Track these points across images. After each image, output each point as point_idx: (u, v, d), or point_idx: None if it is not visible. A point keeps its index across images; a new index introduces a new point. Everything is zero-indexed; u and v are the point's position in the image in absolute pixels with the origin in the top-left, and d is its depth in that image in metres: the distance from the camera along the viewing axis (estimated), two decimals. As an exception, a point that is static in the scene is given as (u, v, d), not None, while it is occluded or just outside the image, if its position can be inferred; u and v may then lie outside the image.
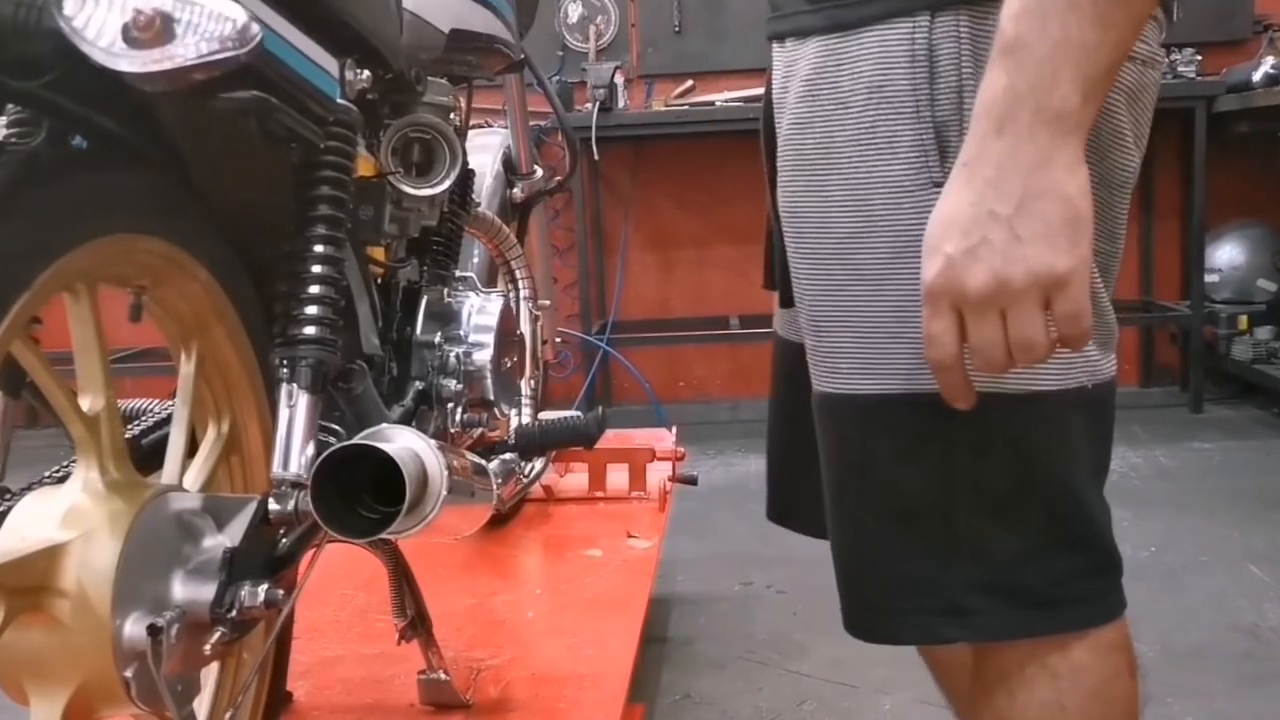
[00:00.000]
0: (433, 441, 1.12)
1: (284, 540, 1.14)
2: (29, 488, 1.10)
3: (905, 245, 0.98)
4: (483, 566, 2.30)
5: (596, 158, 4.43)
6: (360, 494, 1.10)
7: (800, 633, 2.64)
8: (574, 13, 4.77)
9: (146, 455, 1.22)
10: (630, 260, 4.95)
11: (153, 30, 0.79)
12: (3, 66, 0.84)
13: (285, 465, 1.12)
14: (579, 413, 1.78)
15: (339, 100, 1.21)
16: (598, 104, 4.35)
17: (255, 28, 0.86)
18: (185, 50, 0.82)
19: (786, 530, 1.37)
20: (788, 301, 1.15)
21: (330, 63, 1.17)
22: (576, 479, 2.70)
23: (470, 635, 1.93)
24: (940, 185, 0.93)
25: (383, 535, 1.07)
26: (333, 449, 1.06)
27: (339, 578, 2.12)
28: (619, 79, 4.49)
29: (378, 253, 1.59)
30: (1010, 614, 1.04)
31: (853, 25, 1.00)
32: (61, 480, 1.09)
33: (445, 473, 1.11)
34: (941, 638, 1.08)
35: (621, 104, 4.53)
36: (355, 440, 1.08)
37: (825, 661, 2.48)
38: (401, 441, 1.09)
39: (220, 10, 0.84)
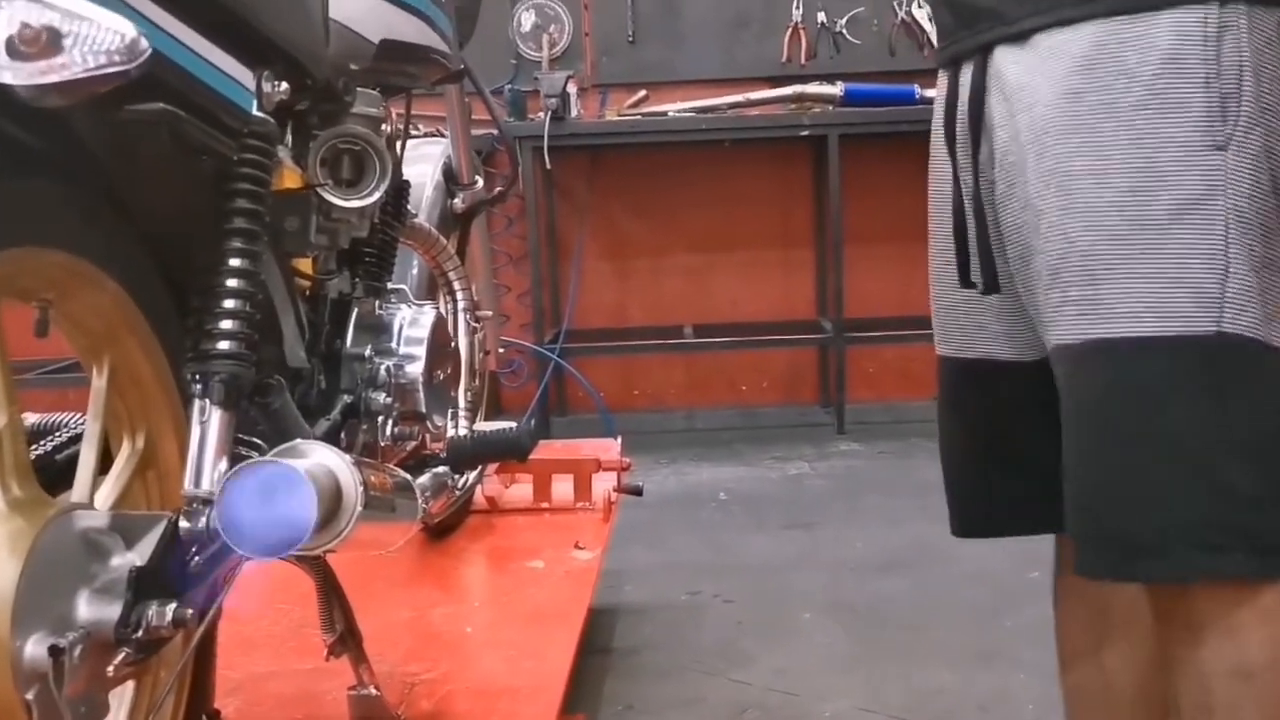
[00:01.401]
0: (348, 457, 1.11)
1: (195, 558, 1.12)
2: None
3: (1191, 199, 1.14)
4: (424, 579, 2.29)
5: (549, 166, 4.42)
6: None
7: (746, 641, 2.64)
8: (527, 21, 4.75)
9: (61, 471, 1.20)
10: (585, 269, 4.94)
11: (39, 44, 0.79)
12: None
13: (197, 482, 1.11)
14: (513, 424, 1.78)
15: (254, 112, 1.19)
16: (550, 113, 4.34)
17: (144, 43, 0.85)
18: (72, 63, 0.81)
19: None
20: (993, 287, 1.31)
21: (244, 74, 1.16)
22: (522, 489, 2.70)
23: (406, 649, 1.92)
24: (1221, 148, 1.14)
25: (293, 553, 1.06)
26: (240, 466, 1.04)
27: (274, 592, 2.10)
28: (572, 88, 4.48)
29: (305, 264, 1.57)
30: (1255, 556, 1.16)
31: (1145, 9, 1.15)
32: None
33: (360, 489, 1.10)
34: (1201, 573, 1.18)
35: (575, 113, 4.52)
36: (264, 457, 1.07)
37: (769, 670, 2.48)
38: (315, 458, 1.08)
39: (109, 24, 0.83)
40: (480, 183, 2.40)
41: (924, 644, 2.59)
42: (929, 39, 4.61)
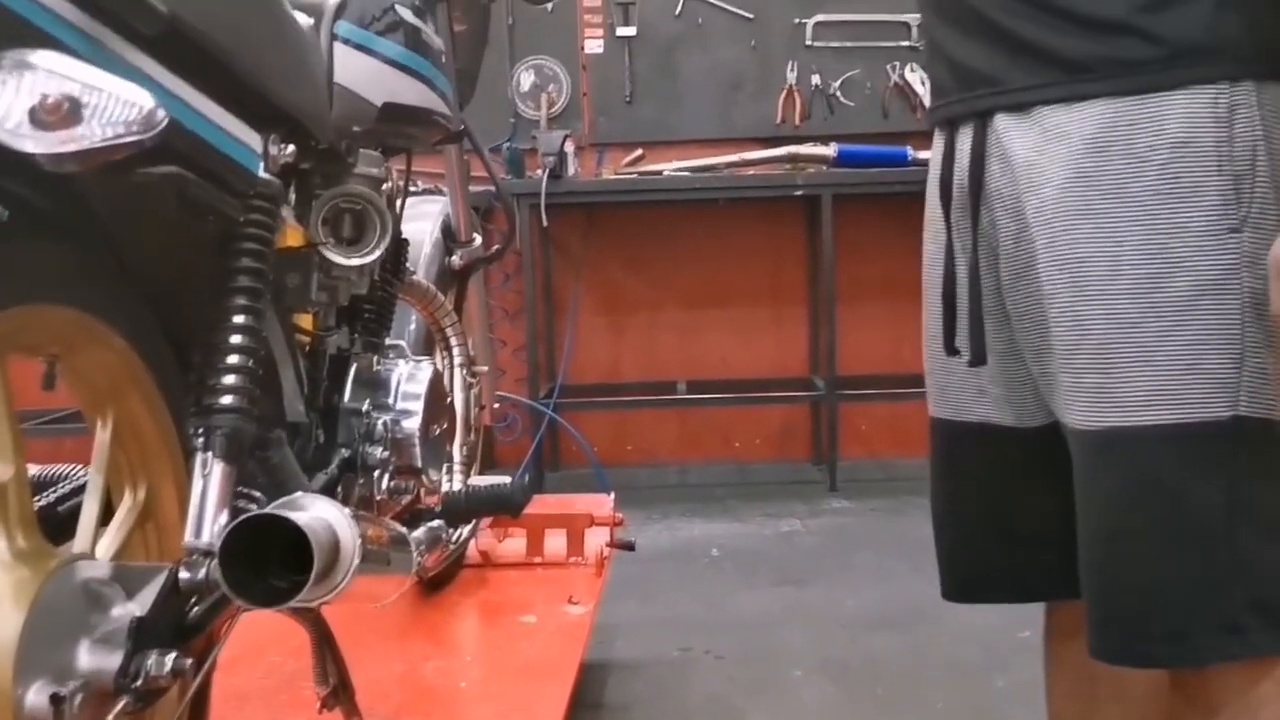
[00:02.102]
0: (347, 510, 1.13)
1: (195, 609, 1.14)
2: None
3: (1207, 284, 1.14)
4: (416, 633, 2.30)
5: (545, 224, 4.46)
6: (270, 563, 1.10)
7: (737, 698, 2.64)
8: (526, 81, 4.81)
9: (63, 522, 1.22)
10: (580, 324, 4.98)
11: (59, 114, 0.82)
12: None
13: (198, 534, 1.13)
14: (508, 479, 1.80)
15: (261, 174, 1.23)
16: (547, 171, 4.39)
17: (161, 113, 0.88)
18: (91, 134, 0.84)
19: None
20: (979, 360, 1.31)
21: (253, 138, 1.19)
22: (515, 544, 2.71)
23: (398, 702, 1.93)
24: (1236, 230, 1.14)
25: (291, 604, 1.08)
26: (241, 518, 1.07)
27: (268, 645, 2.11)
28: (569, 146, 4.53)
29: (306, 320, 1.60)
30: (1274, 630, 1.17)
31: (1154, 89, 1.15)
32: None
33: (358, 542, 1.12)
34: (1226, 655, 1.19)
35: (572, 171, 4.57)
36: (265, 510, 1.09)
37: (759, 728, 2.49)
38: (315, 511, 1.10)
39: (127, 96, 0.86)
40: (478, 240, 2.43)
41: (913, 702, 2.60)
42: (921, 102, 4.68)
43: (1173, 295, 1.15)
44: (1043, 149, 1.21)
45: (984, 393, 1.38)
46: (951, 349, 1.37)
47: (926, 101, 4.63)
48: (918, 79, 4.67)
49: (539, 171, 4.46)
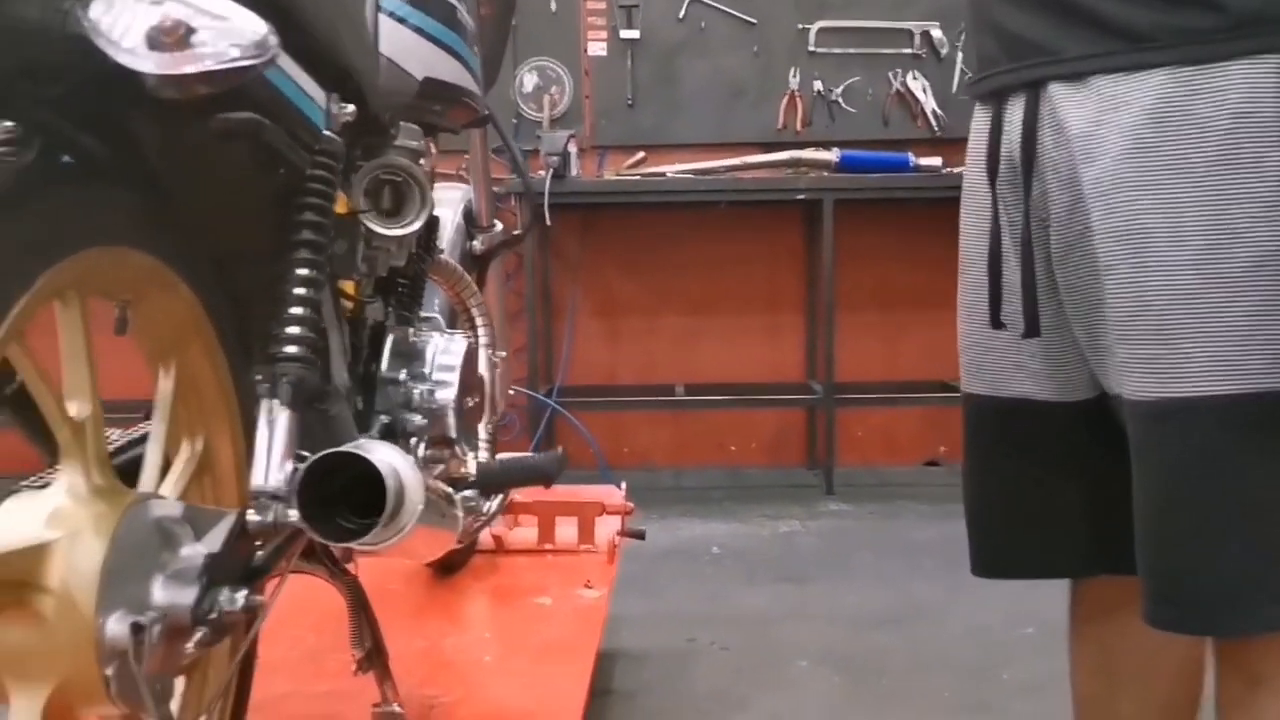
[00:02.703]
0: (410, 458, 1.16)
1: (260, 552, 1.17)
2: (10, 493, 1.12)
3: (1267, 256, 1.15)
4: (432, 612, 2.32)
5: (549, 223, 4.49)
6: (337, 506, 1.13)
7: (743, 687, 2.67)
8: (529, 82, 4.84)
9: (118, 471, 1.24)
10: (578, 327, 5.01)
11: (176, 35, 0.84)
12: (15, 72, 0.88)
13: (265, 478, 1.15)
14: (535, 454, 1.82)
15: (325, 131, 1.25)
16: (551, 171, 4.41)
17: (273, 40, 0.91)
18: (207, 56, 0.86)
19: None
20: (1033, 331, 1.32)
21: (319, 94, 1.22)
22: (526, 532, 2.73)
23: (421, 675, 1.95)
24: None
25: (360, 542, 1.10)
26: (320, 455, 1.09)
27: (290, 619, 2.13)
28: (572, 148, 4.56)
29: (349, 288, 1.63)
30: None
31: (1214, 59, 1.15)
32: (43, 488, 1.11)
33: (422, 489, 1.15)
34: (1271, 627, 1.22)
35: (574, 172, 4.60)
36: (342, 448, 1.11)
37: (765, 714, 2.51)
38: (382, 454, 1.13)
39: (240, 22, 0.89)
40: (499, 226, 2.46)
41: (919, 694, 2.63)
42: (922, 109, 4.73)
43: (1234, 266, 1.16)
44: (1100, 119, 1.22)
45: (1023, 368, 1.40)
46: (997, 322, 1.38)
47: (929, 109, 4.71)
48: (919, 86, 4.72)
49: (541, 172, 4.48)
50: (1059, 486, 1.42)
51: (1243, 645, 1.27)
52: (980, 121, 1.39)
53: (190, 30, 0.85)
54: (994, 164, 1.35)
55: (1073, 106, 1.25)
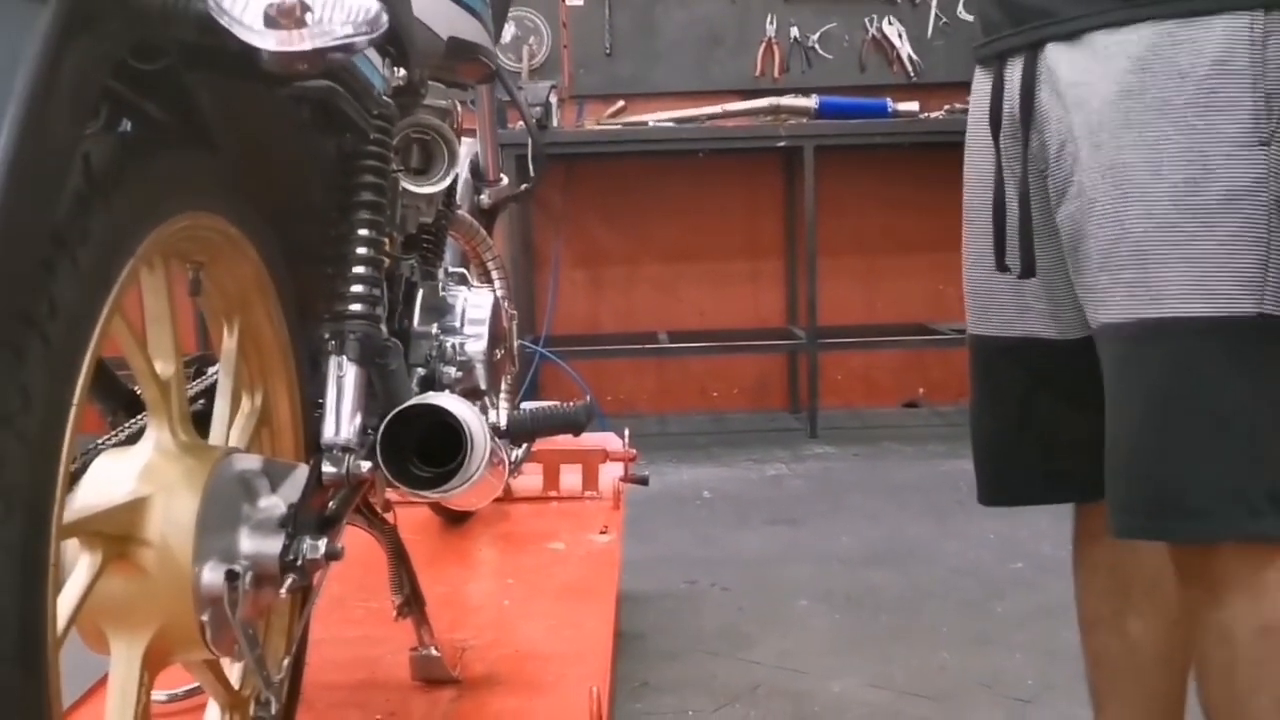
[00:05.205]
0: (476, 408, 1.20)
1: (332, 502, 1.21)
2: (96, 447, 1.16)
3: (1237, 190, 1.25)
4: (448, 559, 2.37)
5: (533, 174, 4.50)
6: (409, 457, 1.18)
7: (747, 626, 2.74)
8: (507, 33, 4.84)
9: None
10: (560, 277, 5.04)
11: (292, 16, 0.88)
12: (129, 50, 0.91)
13: (337, 431, 1.20)
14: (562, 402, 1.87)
15: (382, 95, 1.29)
16: (534, 121, 4.42)
17: (385, 16, 0.95)
18: (321, 33, 0.90)
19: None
20: (1029, 271, 1.43)
21: (378, 59, 1.25)
22: (530, 480, 2.78)
23: (450, 619, 2.00)
24: (1265, 143, 1.25)
25: (437, 491, 1.15)
26: (401, 406, 1.14)
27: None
28: (553, 98, 4.58)
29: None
30: None
31: (1197, 13, 1.26)
32: (127, 442, 1.16)
33: (488, 440, 1.20)
34: (1237, 534, 1.30)
35: (554, 123, 4.62)
36: (421, 400, 1.16)
37: (774, 652, 2.58)
38: (456, 406, 1.17)
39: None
40: (505, 180, 2.49)
41: (919, 628, 2.71)
42: (898, 55, 4.78)
43: (1208, 198, 1.26)
44: (1090, 69, 1.32)
45: (1028, 309, 1.50)
46: (1002, 265, 1.48)
47: (904, 54, 4.76)
48: (895, 32, 4.77)
49: (519, 124, 4.48)
50: (1064, 416, 1.51)
51: (1209, 553, 1.34)
52: (981, 83, 1.49)
53: (305, 8, 0.89)
54: (996, 120, 1.46)
55: (1066, 62, 1.35)
